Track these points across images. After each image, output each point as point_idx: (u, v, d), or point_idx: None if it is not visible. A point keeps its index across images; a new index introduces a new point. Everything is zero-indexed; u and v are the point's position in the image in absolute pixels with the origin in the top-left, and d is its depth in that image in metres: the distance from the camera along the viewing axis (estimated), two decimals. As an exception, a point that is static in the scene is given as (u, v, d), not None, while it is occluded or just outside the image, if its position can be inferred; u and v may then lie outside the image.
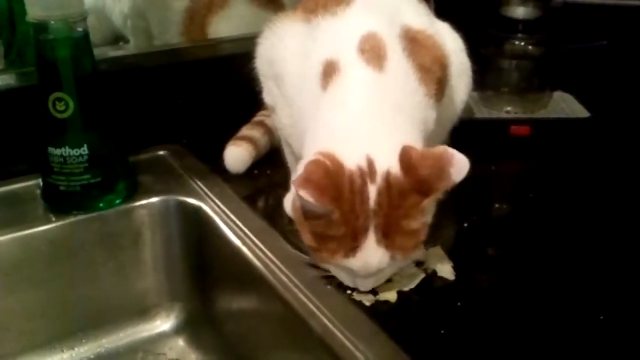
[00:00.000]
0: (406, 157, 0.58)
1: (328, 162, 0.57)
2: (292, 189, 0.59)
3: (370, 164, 0.58)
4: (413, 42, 0.66)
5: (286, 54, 0.70)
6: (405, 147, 0.58)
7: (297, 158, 0.75)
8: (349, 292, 0.63)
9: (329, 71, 0.63)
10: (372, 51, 0.62)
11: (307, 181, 0.55)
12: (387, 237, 0.58)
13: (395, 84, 0.63)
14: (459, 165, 0.57)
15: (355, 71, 0.62)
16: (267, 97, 0.77)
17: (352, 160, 0.58)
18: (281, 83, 0.71)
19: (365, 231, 0.57)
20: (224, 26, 1.08)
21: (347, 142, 0.59)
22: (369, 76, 0.62)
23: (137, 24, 1.06)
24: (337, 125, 0.61)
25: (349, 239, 0.57)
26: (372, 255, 0.58)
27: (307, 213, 0.59)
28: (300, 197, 0.55)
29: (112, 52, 1.00)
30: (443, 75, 0.70)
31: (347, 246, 0.58)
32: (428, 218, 0.60)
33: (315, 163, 0.57)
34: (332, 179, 0.57)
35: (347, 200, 0.57)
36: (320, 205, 0.56)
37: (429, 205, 0.59)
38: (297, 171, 0.58)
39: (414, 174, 0.57)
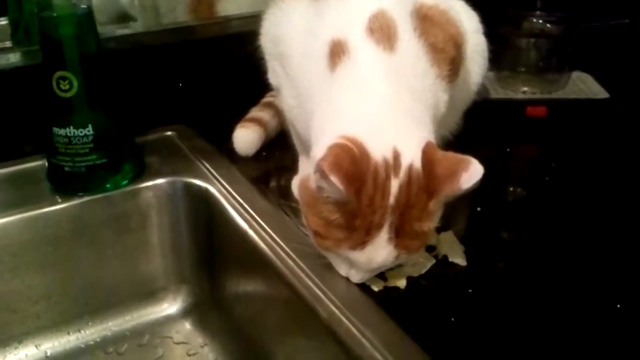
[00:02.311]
0: (428, 154, 0.55)
1: (355, 149, 0.54)
2: (311, 168, 0.55)
3: (397, 156, 0.55)
4: (425, 19, 0.63)
5: (292, 32, 0.67)
6: (429, 144, 0.56)
7: (302, 140, 0.73)
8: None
9: (337, 51, 0.60)
10: (382, 31, 0.60)
11: (337, 166, 0.52)
12: (398, 236, 0.55)
13: (406, 66, 0.60)
14: (472, 172, 0.53)
15: (365, 53, 0.59)
16: (272, 77, 0.75)
17: (378, 150, 0.55)
18: (286, 63, 0.68)
19: (379, 227, 0.55)
20: (232, 4, 1.06)
21: (373, 130, 0.56)
22: (380, 58, 0.59)
23: (145, 2, 1.04)
24: (360, 110, 0.58)
25: (361, 233, 0.55)
26: (379, 252, 0.56)
27: (321, 197, 0.55)
28: (326, 180, 0.52)
29: (120, 31, 0.99)
30: (457, 55, 0.67)
31: (357, 240, 0.55)
32: (436, 221, 0.58)
33: (342, 147, 0.54)
34: (358, 167, 0.53)
35: (368, 193, 0.54)
36: (345, 194, 0.52)
37: (436, 206, 0.56)
38: (314, 153, 0.55)
39: (430, 172, 0.55)
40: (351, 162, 0.53)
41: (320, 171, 0.52)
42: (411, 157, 0.55)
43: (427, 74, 0.62)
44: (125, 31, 1.00)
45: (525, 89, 0.97)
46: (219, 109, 0.93)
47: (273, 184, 0.80)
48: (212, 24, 1.07)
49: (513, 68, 0.99)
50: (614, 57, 1.07)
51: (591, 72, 1.01)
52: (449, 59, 0.64)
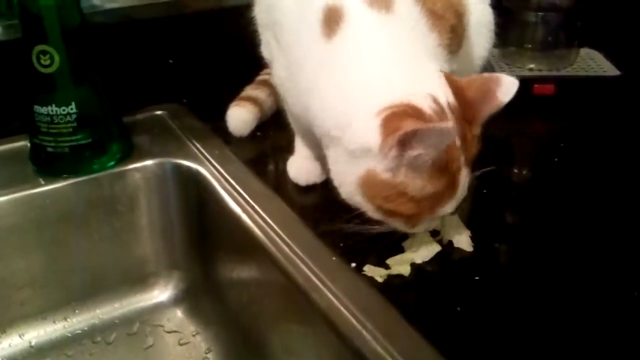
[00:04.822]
0: (453, 83, 0.57)
1: (408, 110, 0.54)
2: (341, 158, 0.57)
3: (436, 101, 0.55)
4: None
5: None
6: (447, 74, 0.58)
7: (296, 118, 0.70)
8: (353, 264, 0.59)
9: (332, 18, 0.58)
10: None
11: (411, 134, 0.51)
12: (467, 165, 0.58)
13: (406, 30, 0.58)
14: (507, 85, 0.56)
15: (362, 18, 0.58)
16: (265, 50, 0.73)
17: (424, 103, 0.55)
18: (279, 32, 0.65)
19: (459, 170, 0.56)
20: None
21: (408, 88, 0.55)
22: (379, 23, 0.57)
23: (135, -26, 1.01)
24: (381, 76, 0.56)
25: (450, 185, 0.56)
26: (463, 186, 0.57)
27: (404, 179, 0.54)
28: (408, 147, 0.51)
29: (107, 4, 0.95)
30: (458, 23, 0.64)
31: (450, 193, 0.56)
32: None
33: (399, 117, 0.53)
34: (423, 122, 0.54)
35: None
36: (440, 145, 0.52)
37: (479, 129, 0.58)
38: (350, 139, 0.55)
39: (463, 100, 0.56)
40: (415, 124, 0.52)
41: (397, 144, 0.52)
42: (444, 95, 0.56)
43: (426, 39, 0.60)
44: (113, 4, 0.97)
45: (532, 65, 0.95)
46: (212, 87, 0.91)
47: (268, 165, 0.77)
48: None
49: (519, 44, 0.96)
50: (625, 33, 1.03)
51: (601, 49, 0.98)
52: (449, 26, 0.62)
